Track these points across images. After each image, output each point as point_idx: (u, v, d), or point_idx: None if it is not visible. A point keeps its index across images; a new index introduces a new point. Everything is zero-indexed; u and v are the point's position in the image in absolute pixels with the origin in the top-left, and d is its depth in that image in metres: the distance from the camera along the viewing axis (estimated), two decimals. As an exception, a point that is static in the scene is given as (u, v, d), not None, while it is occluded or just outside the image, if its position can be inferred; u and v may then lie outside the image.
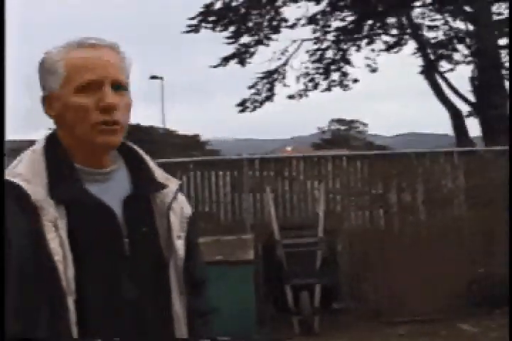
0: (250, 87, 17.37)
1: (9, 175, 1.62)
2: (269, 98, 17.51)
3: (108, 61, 1.69)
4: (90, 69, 1.66)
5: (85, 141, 1.68)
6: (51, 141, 1.73)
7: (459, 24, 16.45)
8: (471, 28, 15.99)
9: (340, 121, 50.64)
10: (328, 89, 18.04)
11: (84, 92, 1.66)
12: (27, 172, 1.64)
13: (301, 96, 17.95)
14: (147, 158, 1.84)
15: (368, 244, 8.05)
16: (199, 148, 35.75)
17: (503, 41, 15.10)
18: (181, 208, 1.83)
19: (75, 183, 1.66)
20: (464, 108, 15.55)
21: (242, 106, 17.58)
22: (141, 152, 1.84)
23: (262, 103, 17.55)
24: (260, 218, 8.04)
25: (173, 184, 1.83)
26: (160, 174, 1.83)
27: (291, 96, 17.92)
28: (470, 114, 15.74)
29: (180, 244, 1.78)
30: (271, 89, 17.50)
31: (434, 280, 7.58)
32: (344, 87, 18.05)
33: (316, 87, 17.92)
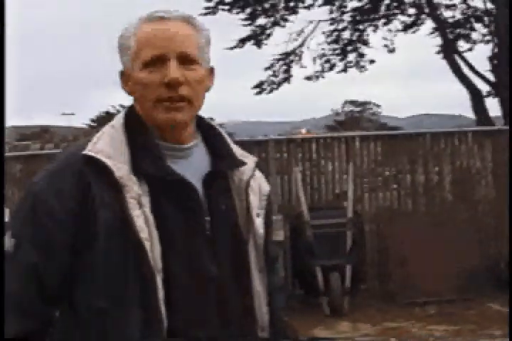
0: (267, 69, 17.29)
1: (92, 150, 1.60)
2: (286, 79, 17.43)
3: (175, 33, 1.64)
4: (155, 44, 1.62)
5: (150, 119, 1.65)
6: (130, 116, 1.70)
7: (477, 2, 16.30)
8: (489, 6, 15.84)
9: (353, 103, 50.38)
10: (345, 70, 17.94)
11: (149, 68, 1.62)
12: (109, 149, 1.61)
13: (317, 77, 17.86)
14: (225, 134, 1.82)
15: (394, 224, 8.03)
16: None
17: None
18: (259, 185, 1.81)
19: (158, 160, 1.63)
20: (484, 87, 15.45)
21: (259, 88, 17.50)
22: (219, 128, 1.81)
23: (279, 85, 17.47)
24: (287, 199, 8.02)
25: (250, 161, 1.81)
26: (237, 150, 1.80)
27: (308, 78, 17.84)
28: (489, 94, 15.64)
29: (259, 222, 1.75)
30: (287, 71, 17.42)
31: (460, 261, 7.55)
32: (360, 68, 17.95)
33: (332, 68, 17.82)
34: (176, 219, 1.63)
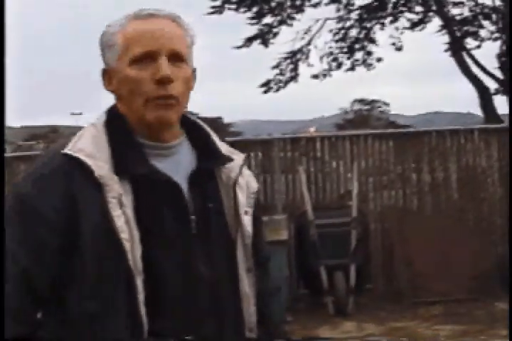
0: (274, 67, 17.27)
1: (72, 150, 1.57)
2: (293, 78, 17.40)
3: (164, 31, 1.61)
4: (144, 41, 1.59)
5: (140, 117, 1.62)
6: (112, 115, 1.67)
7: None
8: (497, 3, 15.76)
9: (362, 101, 50.34)
10: (352, 68, 17.89)
11: (138, 65, 1.59)
12: (89, 148, 1.58)
13: (324, 75, 17.82)
14: (210, 131, 1.78)
15: (400, 223, 7.97)
16: (222, 130, 35.71)
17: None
18: (247, 183, 1.77)
19: (140, 158, 1.60)
20: (492, 85, 15.38)
21: (266, 86, 17.47)
22: (204, 125, 1.77)
23: (286, 83, 17.44)
24: (292, 199, 7.99)
25: (238, 158, 1.77)
26: (224, 147, 1.77)
27: (314, 76, 17.80)
28: (498, 91, 15.56)
29: (247, 220, 1.72)
30: (295, 69, 17.39)
31: (467, 260, 7.49)
32: (368, 66, 17.89)
33: (339, 66, 17.78)
34: (161, 218, 1.60)
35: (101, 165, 1.56)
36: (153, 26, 1.61)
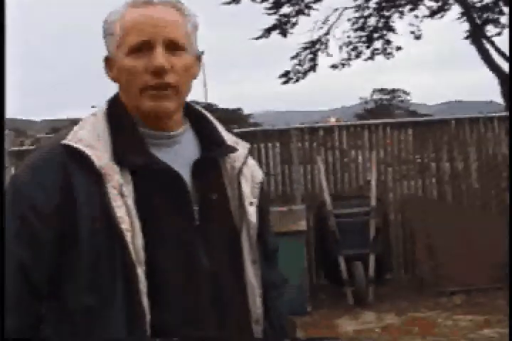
0: (293, 58, 17.17)
1: (71, 140, 1.56)
2: (312, 68, 17.29)
3: (162, 19, 1.58)
4: (141, 29, 1.56)
5: (136, 107, 1.60)
6: (113, 104, 1.65)
7: (505, -15, 15.98)
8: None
9: (382, 91, 50.05)
10: (371, 57, 17.75)
11: (135, 54, 1.57)
12: (89, 138, 1.56)
13: (344, 65, 17.69)
14: (215, 120, 1.75)
15: (420, 213, 7.90)
16: (242, 121, 35.70)
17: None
18: (252, 173, 1.75)
19: (141, 148, 1.58)
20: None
21: (286, 77, 17.39)
22: (208, 115, 1.75)
23: (305, 74, 17.34)
24: (311, 189, 7.95)
25: (242, 147, 1.74)
26: (228, 137, 1.74)
27: (334, 66, 17.68)
28: (519, 79, 15.34)
29: (252, 211, 1.69)
30: (314, 60, 17.28)
31: (487, 249, 7.40)
32: (387, 55, 17.74)
33: (359, 55, 17.64)
34: (163, 209, 1.58)
35: (101, 155, 1.54)
36: (149, 14, 1.58)
